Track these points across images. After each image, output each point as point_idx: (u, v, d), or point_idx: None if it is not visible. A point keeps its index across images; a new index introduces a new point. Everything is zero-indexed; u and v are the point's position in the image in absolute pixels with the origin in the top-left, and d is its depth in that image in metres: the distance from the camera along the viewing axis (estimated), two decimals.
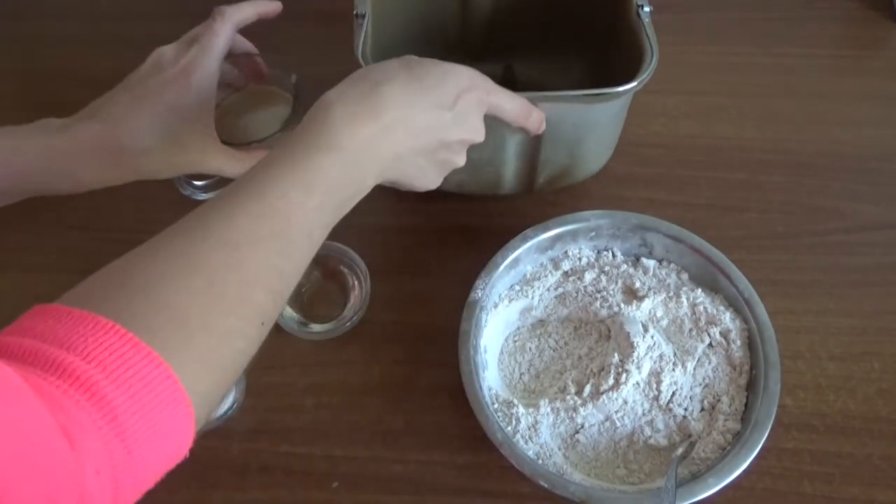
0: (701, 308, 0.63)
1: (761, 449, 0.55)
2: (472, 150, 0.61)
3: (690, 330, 0.63)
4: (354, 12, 0.64)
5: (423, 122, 0.50)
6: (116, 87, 0.57)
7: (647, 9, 0.65)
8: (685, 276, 0.66)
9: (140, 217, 0.74)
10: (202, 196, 0.71)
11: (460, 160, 0.55)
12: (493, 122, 0.59)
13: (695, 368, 0.61)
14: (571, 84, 0.75)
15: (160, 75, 0.56)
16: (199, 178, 0.70)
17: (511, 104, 0.56)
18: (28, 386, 0.30)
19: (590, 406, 0.59)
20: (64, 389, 0.32)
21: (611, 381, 0.59)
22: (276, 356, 0.66)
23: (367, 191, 0.50)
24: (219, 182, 0.71)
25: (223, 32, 0.58)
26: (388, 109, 0.48)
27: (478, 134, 0.55)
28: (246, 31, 0.62)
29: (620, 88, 0.60)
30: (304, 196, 0.45)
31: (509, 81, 0.76)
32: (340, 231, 0.50)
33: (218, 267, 0.41)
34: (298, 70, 0.66)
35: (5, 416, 0.29)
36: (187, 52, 0.57)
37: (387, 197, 0.64)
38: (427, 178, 0.54)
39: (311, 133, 0.47)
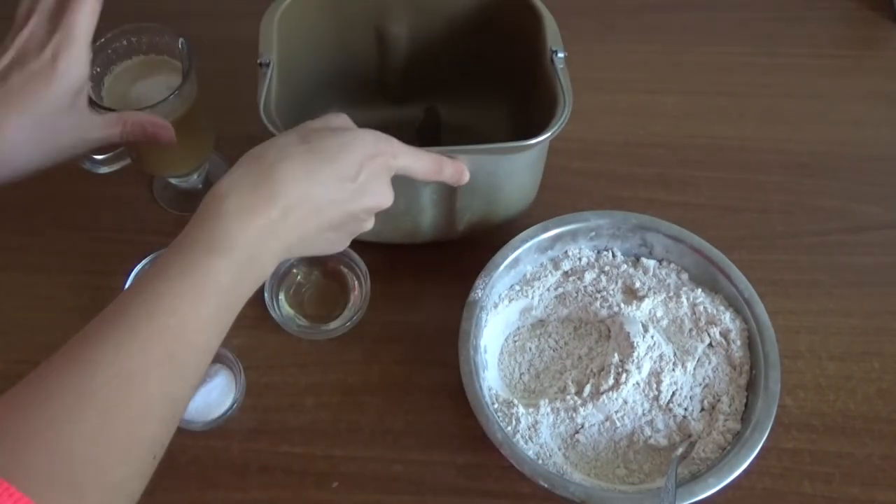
0: (701, 308, 0.63)
1: (761, 449, 0.55)
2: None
3: (690, 330, 0.63)
4: (259, 61, 0.62)
5: (325, 198, 0.47)
6: None
7: (560, 55, 0.63)
8: (685, 276, 0.66)
9: (140, 217, 0.74)
10: (103, 170, 0.70)
11: (368, 225, 0.53)
12: (402, 174, 0.59)
13: (695, 368, 0.61)
14: (494, 124, 0.75)
15: (24, 70, 0.51)
16: (99, 151, 0.70)
17: (420, 164, 0.53)
18: None
19: (590, 406, 0.59)
20: None
21: (611, 381, 0.59)
22: (276, 356, 0.66)
23: (266, 278, 0.47)
24: (119, 155, 0.71)
25: (86, 8, 0.54)
26: (285, 192, 0.45)
27: (385, 199, 0.52)
28: None
29: (531, 141, 0.58)
30: (197, 307, 0.42)
31: (432, 123, 0.75)
32: None
33: (110, 406, 0.38)
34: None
35: None
36: (51, 39, 0.52)
37: None
38: (333, 247, 0.52)
39: (203, 233, 0.44)
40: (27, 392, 0.38)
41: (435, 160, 0.55)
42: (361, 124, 0.77)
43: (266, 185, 0.45)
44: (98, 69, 0.69)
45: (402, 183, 0.60)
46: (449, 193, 0.62)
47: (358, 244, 0.68)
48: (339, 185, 0.48)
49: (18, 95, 0.51)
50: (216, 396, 0.63)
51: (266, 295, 0.66)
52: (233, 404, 0.62)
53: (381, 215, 0.63)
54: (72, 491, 0.36)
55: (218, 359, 0.64)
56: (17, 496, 0.33)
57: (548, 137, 0.59)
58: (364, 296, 0.67)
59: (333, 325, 0.66)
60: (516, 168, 0.62)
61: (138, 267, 0.66)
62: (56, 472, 0.36)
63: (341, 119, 0.52)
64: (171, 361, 0.41)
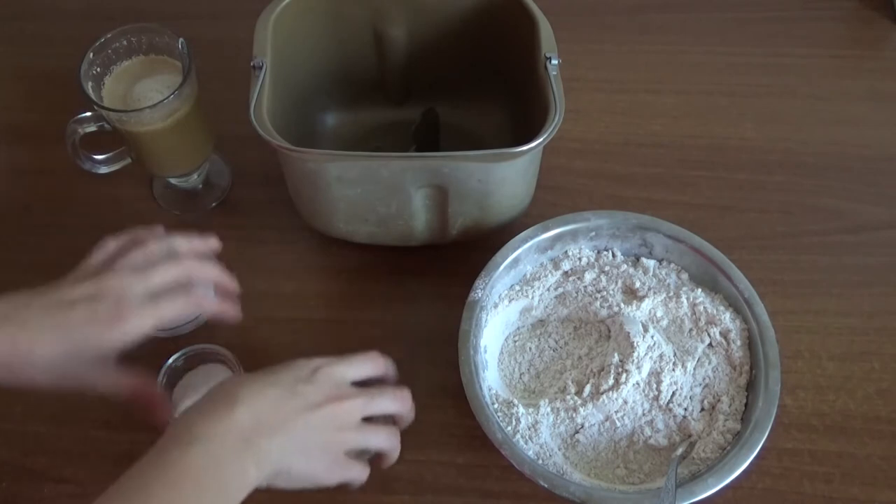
0: (701, 308, 0.63)
1: (761, 449, 0.55)
2: (381, 203, 0.61)
3: (690, 330, 0.63)
4: (251, 63, 0.61)
5: (285, 399, 0.49)
6: (49, 294, 0.52)
7: (554, 61, 0.62)
8: (685, 276, 0.66)
9: (140, 217, 0.74)
10: (103, 170, 0.70)
11: (350, 438, 0.52)
12: (398, 178, 0.59)
13: (695, 368, 0.61)
14: (493, 127, 0.76)
15: (91, 307, 0.51)
16: (100, 151, 0.70)
17: (357, 369, 0.55)
18: None
19: (590, 406, 0.59)
20: None
21: (611, 381, 0.59)
22: (276, 357, 0.66)
23: (249, 485, 0.47)
24: (119, 154, 0.71)
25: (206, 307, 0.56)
26: (241, 396, 0.48)
27: (355, 406, 0.52)
28: None
29: (521, 149, 0.58)
30: (174, 490, 0.44)
31: (430, 125, 0.74)
32: None
33: None
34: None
35: None
36: (138, 293, 0.52)
37: None
38: (315, 466, 0.51)
39: (170, 435, 0.46)
40: None
41: (369, 363, 0.56)
42: (361, 125, 0.77)
43: (225, 396, 0.48)
44: (98, 69, 0.69)
45: (390, 186, 0.61)
46: (441, 199, 0.62)
47: (358, 245, 0.69)
48: (293, 385, 0.50)
49: (70, 328, 0.51)
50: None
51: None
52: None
53: (375, 218, 0.63)
54: None
55: (218, 359, 0.64)
56: None
57: (538, 145, 0.58)
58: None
59: None
60: (508, 174, 0.62)
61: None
62: None
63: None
64: None
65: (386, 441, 0.54)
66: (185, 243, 0.57)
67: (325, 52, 0.72)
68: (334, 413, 0.51)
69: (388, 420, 0.56)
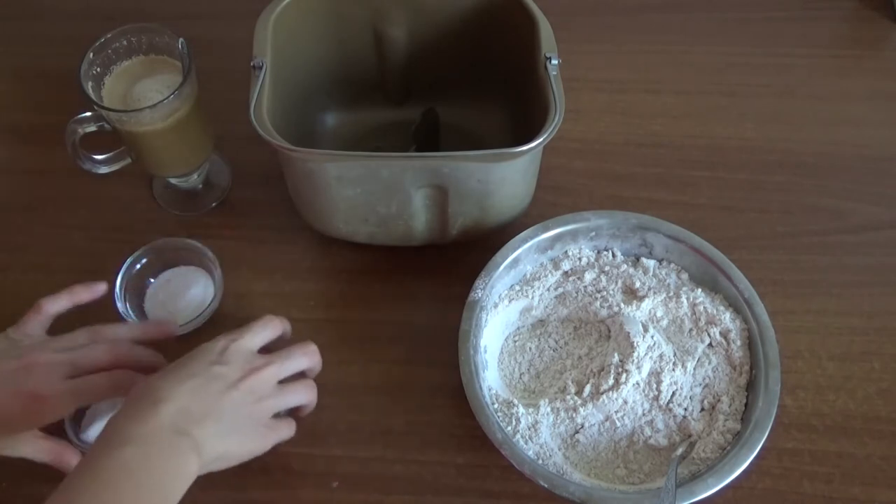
0: (701, 308, 0.63)
1: (761, 449, 0.55)
2: (381, 203, 0.62)
3: (690, 330, 0.63)
4: (251, 63, 0.62)
5: (199, 384, 0.51)
6: None
7: (554, 61, 0.62)
8: (685, 276, 0.66)
9: (140, 217, 0.74)
10: (103, 170, 0.71)
11: (273, 404, 0.55)
12: (398, 178, 0.59)
13: (695, 368, 0.61)
14: (493, 127, 0.75)
15: (14, 395, 0.54)
16: (100, 151, 0.71)
17: (260, 337, 0.57)
18: None
19: (590, 406, 0.59)
20: None
21: (611, 381, 0.59)
22: None
23: (191, 474, 0.49)
24: (119, 154, 0.71)
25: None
26: (164, 397, 0.49)
27: (270, 372, 0.55)
28: None
29: (521, 148, 0.57)
30: (114, 493, 0.45)
31: (430, 125, 0.74)
32: None
33: None
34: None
35: None
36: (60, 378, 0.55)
37: None
38: (251, 439, 0.54)
39: (101, 442, 0.48)
40: None
41: (269, 328, 0.58)
42: (361, 125, 0.77)
43: (148, 396, 0.49)
44: (98, 69, 0.69)
45: (390, 186, 0.60)
46: (441, 199, 0.62)
47: (358, 245, 0.69)
48: (207, 369, 0.52)
49: None
50: (198, 297, 0.67)
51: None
52: (211, 301, 0.66)
53: (375, 218, 0.63)
54: None
55: (196, 262, 0.66)
56: None
57: (538, 145, 0.58)
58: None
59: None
60: (508, 174, 0.62)
61: (126, 264, 0.67)
62: None
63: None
64: None
65: (304, 396, 0.58)
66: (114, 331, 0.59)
67: (325, 52, 0.72)
68: (252, 385, 0.53)
69: (299, 375, 0.59)
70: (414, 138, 0.72)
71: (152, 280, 0.69)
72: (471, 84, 0.74)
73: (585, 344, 0.64)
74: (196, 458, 0.48)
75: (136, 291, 0.68)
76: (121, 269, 0.67)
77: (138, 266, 0.68)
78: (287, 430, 0.57)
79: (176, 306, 0.67)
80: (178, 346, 0.62)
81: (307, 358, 0.58)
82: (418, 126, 0.73)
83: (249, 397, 0.53)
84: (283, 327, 0.60)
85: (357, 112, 0.77)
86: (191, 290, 0.68)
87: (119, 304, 0.66)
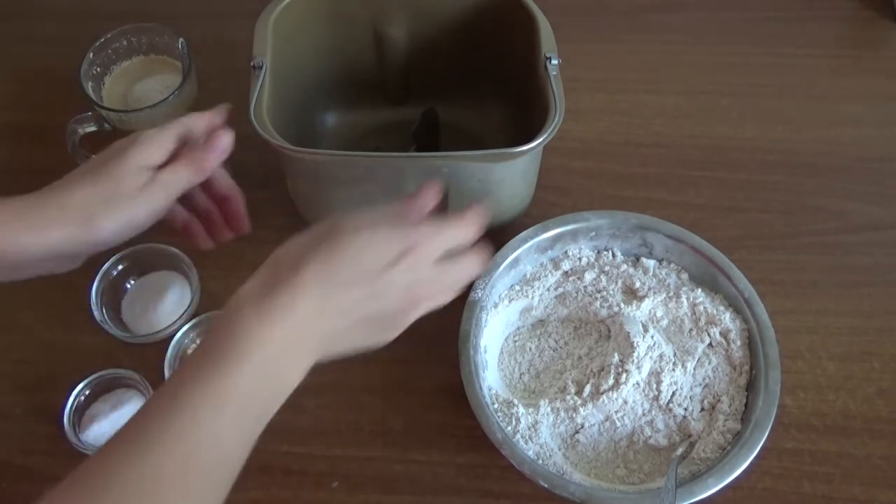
0: (701, 308, 0.63)
1: (761, 449, 0.55)
2: (381, 203, 0.58)
3: (690, 330, 0.63)
4: (251, 63, 0.61)
5: (349, 299, 0.46)
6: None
7: (554, 61, 0.62)
8: (685, 276, 0.66)
9: None
10: None
11: (414, 315, 0.50)
12: (398, 178, 0.59)
13: (695, 368, 0.61)
14: (493, 127, 0.75)
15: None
16: (100, 151, 0.71)
17: (456, 233, 0.51)
18: None
19: (590, 406, 0.59)
20: None
21: (611, 381, 0.59)
22: None
23: (301, 378, 0.46)
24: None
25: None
26: (303, 299, 0.44)
27: (428, 288, 0.49)
28: None
29: (521, 148, 0.57)
30: (216, 416, 0.42)
31: (430, 125, 0.74)
32: None
33: None
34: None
35: None
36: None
37: None
38: (377, 341, 0.50)
39: (221, 342, 0.43)
40: (64, 494, 0.39)
41: (464, 223, 0.52)
42: (361, 125, 0.77)
43: (283, 294, 0.44)
44: (98, 69, 0.69)
45: (390, 186, 0.60)
46: (441, 199, 0.62)
47: None
48: (363, 284, 0.46)
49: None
50: (171, 306, 0.66)
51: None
52: (189, 305, 0.65)
53: (372, 218, 0.63)
54: None
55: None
56: None
57: (538, 145, 0.58)
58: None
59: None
60: (507, 175, 0.62)
61: (96, 279, 0.66)
62: None
63: (369, 217, 0.49)
64: (187, 476, 0.41)
65: (468, 274, 0.51)
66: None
67: (325, 52, 0.72)
68: (410, 308, 0.49)
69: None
70: (414, 138, 0.72)
71: (128, 286, 0.68)
72: (471, 84, 0.74)
73: (585, 344, 0.64)
74: (311, 362, 0.46)
75: (113, 297, 0.68)
76: (96, 275, 0.66)
77: (114, 273, 0.67)
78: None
79: (155, 311, 0.66)
80: (77, 377, 0.62)
81: (464, 232, 0.52)
82: (418, 126, 0.73)
83: (405, 312, 0.49)
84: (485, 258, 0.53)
85: (357, 112, 0.77)
86: (168, 295, 0.67)
87: (95, 312, 0.65)
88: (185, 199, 0.57)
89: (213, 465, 0.42)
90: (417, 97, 0.76)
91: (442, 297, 0.51)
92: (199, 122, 0.55)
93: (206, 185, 0.57)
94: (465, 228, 0.51)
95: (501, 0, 0.67)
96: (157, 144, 0.53)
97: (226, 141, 0.55)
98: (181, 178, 0.53)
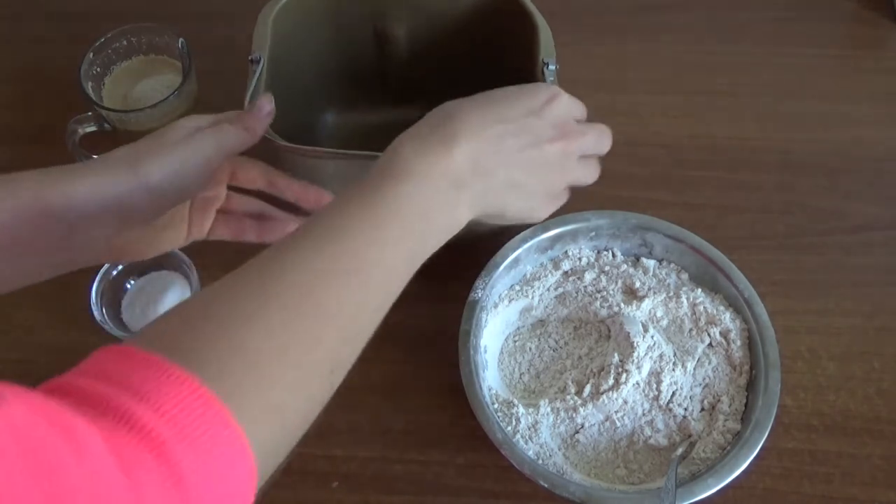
0: (701, 308, 0.63)
1: (761, 449, 0.55)
2: None
3: (690, 330, 0.63)
4: (249, 57, 0.61)
5: (508, 131, 0.47)
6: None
7: (551, 67, 0.62)
8: (685, 276, 0.66)
9: None
10: None
11: (574, 176, 0.51)
12: None
13: (695, 368, 0.61)
14: None
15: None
16: (100, 151, 0.71)
17: (601, 138, 0.53)
18: (102, 441, 0.30)
19: (590, 406, 0.59)
20: (134, 444, 0.31)
21: (611, 381, 0.59)
22: None
23: (459, 225, 0.46)
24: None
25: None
26: (462, 131, 0.45)
27: (583, 144, 0.50)
28: None
29: None
30: (379, 230, 0.42)
31: None
32: None
33: (291, 307, 0.39)
34: None
35: (79, 474, 0.28)
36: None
37: None
38: (532, 209, 0.50)
39: (383, 167, 0.44)
40: (215, 293, 0.39)
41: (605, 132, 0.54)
42: (361, 125, 0.77)
43: (443, 129, 0.45)
44: (98, 69, 0.69)
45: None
46: None
47: None
48: (521, 119, 0.47)
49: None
50: (171, 306, 0.65)
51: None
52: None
53: None
54: (251, 379, 0.36)
55: (171, 266, 0.64)
56: (195, 386, 0.33)
57: None
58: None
59: None
60: None
61: (97, 279, 0.66)
62: (236, 363, 0.36)
63: None
64: (356, 275, 0.41)
65: (592, 175, 0.54)
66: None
67: (325, 51, 0.72)
68: (561, 153, 0.49)
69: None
70: None
71: (128, 286, 0.68)
72: (469, 85, 0.74)
73: (585, 344, 0.64)
74: (468, 210, 0.46)
75: (113, 297, 0.68)
76: (96, 275, 0.66)
77: (114, 273, 0.67)
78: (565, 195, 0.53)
79: (155, 311, 0.66)
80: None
81: (608, 140, 0.54)
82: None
83: (553, 163, 0.49)
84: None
85: (357, 111, 0.77)
86: (168, 295, 0.67)
87: (95, 312, 0.65)
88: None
89: (379, 272, 0.43)
90: (416, 97, 0.76)
91: (591, 143, 0.52)
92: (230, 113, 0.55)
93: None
94: (608, 137, 0.53)
95: (503, 3, 0.67)
96: (202, 116, 0.53)
97: (268, 105, 0.55)
98: (229, 133, 0.52)
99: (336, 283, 0.41)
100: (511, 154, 0.47)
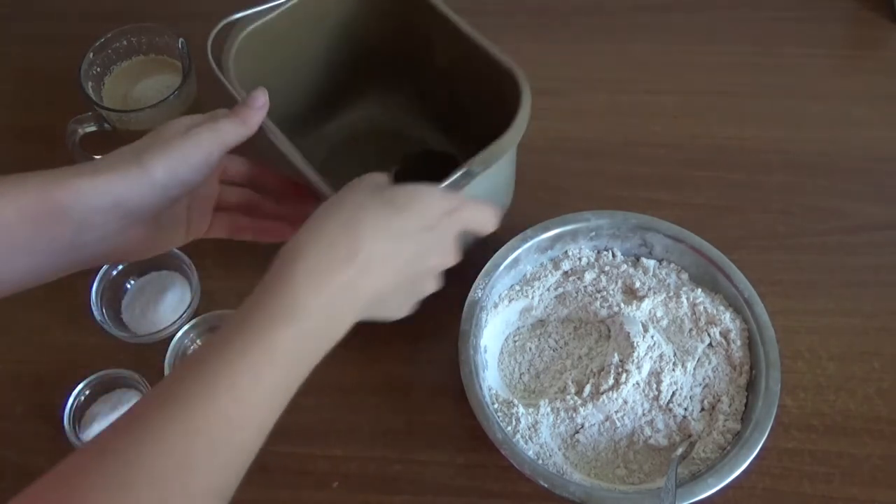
0: (701, 308, 0.63)
1: (761, 449, 0.55)
2: None
3: (690, 330, 0.63)
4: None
5: (405, 249, 0.46)
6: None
7: (476, 170, 0.56)
8: (685, 276, 0.66)
9: None
10: None
11: (431, 287, 0.51)
12: None
13: (695, 368, 0.61)
14: (469, 150, 0.71)
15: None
16: (100, 151, 0.70)
17: (481, 216, 0.52)
18: None
19: (590, 406, 0.59)
20: None
21: (611, 381, 0.59)
22: None
23: (341, 336, 0.45)
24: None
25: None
26: (365, 246, 0.44)
27: (452, 257, 0.51)
28: None
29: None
30: (258, 383, 0.41)
31: (416, 168, 0.68)
32: None
33: (156, 482, 0.38)
34: None
35: None
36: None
37: None
38: (400, 310, 0.50)
39: (271, 300, 0.42)
40: (88, 455, 0.39)
41: (492, 211, 0.53)
42: (351, 129, 0.75)
43: (345, 241, 0.44)
44: (98, 69, 0.69)
45: None
46: None
47: None
48: (417, 234, 0.47)
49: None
50: (171, 306, 0.66)
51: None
52: (189, 304, 0.65)
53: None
54: None
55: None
56: None
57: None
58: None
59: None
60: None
61: (97, 279, 0.66)
62: None
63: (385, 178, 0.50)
64: (222, 448, 0.40)
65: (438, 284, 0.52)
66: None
67: (311, 61, 0.70)
68: (439, 267, 0.50)
69: None
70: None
71: (128, 286, 0.69)
72: (450, 113, 0.72)
73: (585, 344, 0.64)
74: (356, 316, 0.46)
75: (113, 297, 0.68)
76: (96, 275, 0.66)
77: (114, 273, 0.67)
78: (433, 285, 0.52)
79: (155, 311, 0.67)
80: (77, 376, 0.63)
81: (490, 227, 0.53)
82: (399, 171, 0.68)
83: (430, 277, 0.50)
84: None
85: (345, 116, 0.75)
86: (168, 295, 0.67)
87: (95, 312, 0.65)
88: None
89: (248, 433, 0.42)
90: (402, 102, 0.74)
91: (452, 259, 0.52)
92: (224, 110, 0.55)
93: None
94: (491, 217, 0.52)
95: (497, 69, 0.62)
96: (195, 116, 0.53)
97: (262, 97, 0.54)
98: (226, 126, 0.52)
99: (204, 451, 0.39)
100: (398, 272, 0.47)
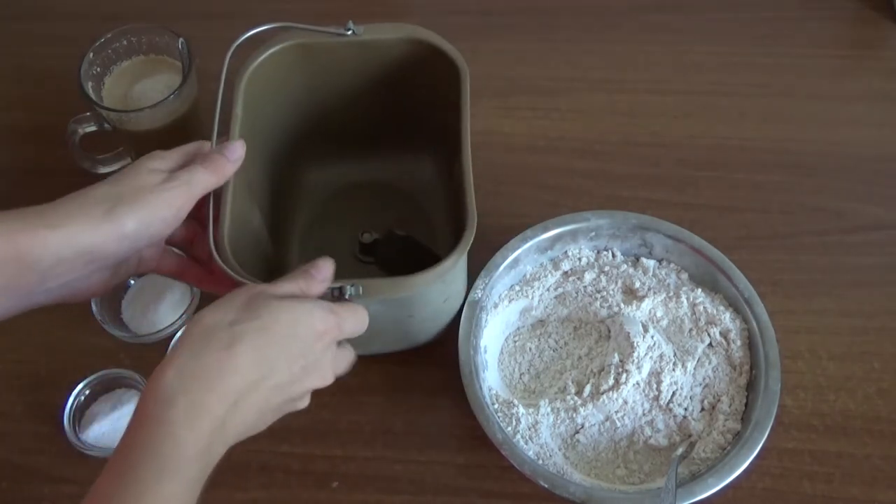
0: (701, 308, 0.63)
1: (761, 449, 0.55)
2: None
3: (690, 330, 0.63)
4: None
5: (277, 382, 0.46)
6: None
7: (350, 289, 0.52)
8: (685, 276, 0.66)
9: None
10: (103, 170, 0.71)
11: (304, 404, 0.50)
12: None
13: (695, 368, 0.61)
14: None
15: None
16: (100, 151, 0.71)
17: (357, 325, 0.51)
18: None
19: (590, 406, 0.59)
20: None
21: (611, 381, 0.59)
22: None
23: (214, 464, 0.44)
24: (119, 154, 0.71)
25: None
26: (238, 383, 0.43)
27: (328, 378, 0.50)
28: None
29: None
30: None
31: (388, 256, 0.68)
32: None
33: None
34: None
35: None
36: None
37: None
38: (266, 425, 0.48)
39: (150, 452, 0.41)
40: None
41: (363, 315, 0.52)
42: (333, 182, 0.73)
43: (219, 380, 0.43)
44: (98, 69, 0.69)
45: None
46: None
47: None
48: (289, 367, 0.46)
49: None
50: (171, 306, 0.66)
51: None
52: (187, 309, 0.65)
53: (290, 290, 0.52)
54: None
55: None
56: None
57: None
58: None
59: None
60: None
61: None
62: None
63: (285, 287, 0.48)
64: None
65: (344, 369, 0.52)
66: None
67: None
68: (305, 393, 0.49)
69: None
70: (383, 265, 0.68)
71: (128, 286, 0.68)
72: (402, 140, 0.71)
73: (585, 344, 0.64)
74: (225, 446, 0.45)
75: (113, 297, 0.68)
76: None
77: None
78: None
79: (155, 311, 0.66)
80: (78, 377, 0.63)
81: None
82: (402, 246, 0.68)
83: (298, 401, 0.49)
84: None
85: (330, 167, 0.74)
86: (168, 295, 0.67)
87: (95, 312, 0.65)
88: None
89: None
90: (352, 147, 0.72)
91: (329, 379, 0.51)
92: (206, 144, 0.55)
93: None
94: (366, 319, 0.52)
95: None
96: (167, 154, 0.53)
97: (239, 150, 0.54)
98: (198, 176, 0.52)
99: None
100: (268, 401, 0.46)
